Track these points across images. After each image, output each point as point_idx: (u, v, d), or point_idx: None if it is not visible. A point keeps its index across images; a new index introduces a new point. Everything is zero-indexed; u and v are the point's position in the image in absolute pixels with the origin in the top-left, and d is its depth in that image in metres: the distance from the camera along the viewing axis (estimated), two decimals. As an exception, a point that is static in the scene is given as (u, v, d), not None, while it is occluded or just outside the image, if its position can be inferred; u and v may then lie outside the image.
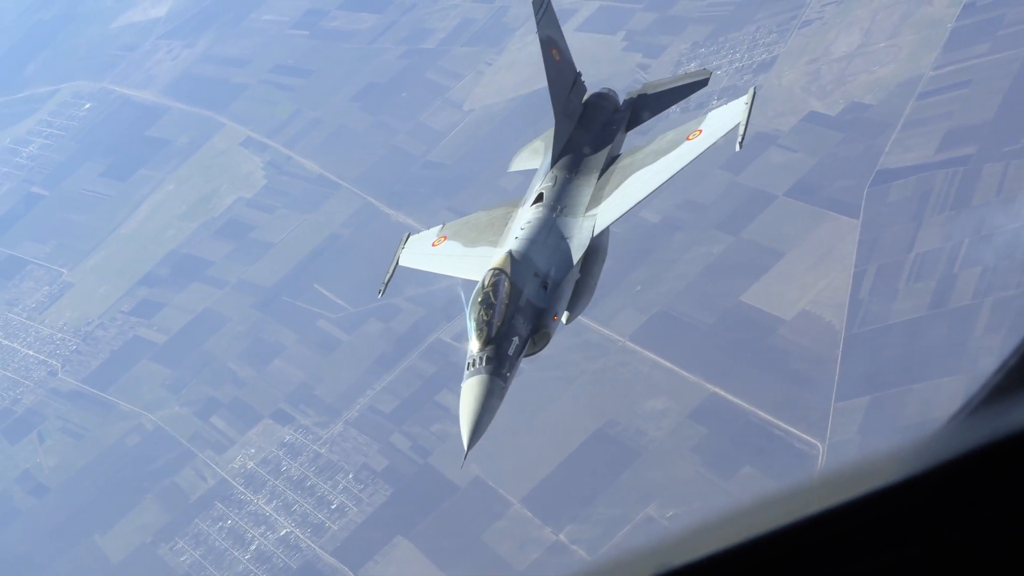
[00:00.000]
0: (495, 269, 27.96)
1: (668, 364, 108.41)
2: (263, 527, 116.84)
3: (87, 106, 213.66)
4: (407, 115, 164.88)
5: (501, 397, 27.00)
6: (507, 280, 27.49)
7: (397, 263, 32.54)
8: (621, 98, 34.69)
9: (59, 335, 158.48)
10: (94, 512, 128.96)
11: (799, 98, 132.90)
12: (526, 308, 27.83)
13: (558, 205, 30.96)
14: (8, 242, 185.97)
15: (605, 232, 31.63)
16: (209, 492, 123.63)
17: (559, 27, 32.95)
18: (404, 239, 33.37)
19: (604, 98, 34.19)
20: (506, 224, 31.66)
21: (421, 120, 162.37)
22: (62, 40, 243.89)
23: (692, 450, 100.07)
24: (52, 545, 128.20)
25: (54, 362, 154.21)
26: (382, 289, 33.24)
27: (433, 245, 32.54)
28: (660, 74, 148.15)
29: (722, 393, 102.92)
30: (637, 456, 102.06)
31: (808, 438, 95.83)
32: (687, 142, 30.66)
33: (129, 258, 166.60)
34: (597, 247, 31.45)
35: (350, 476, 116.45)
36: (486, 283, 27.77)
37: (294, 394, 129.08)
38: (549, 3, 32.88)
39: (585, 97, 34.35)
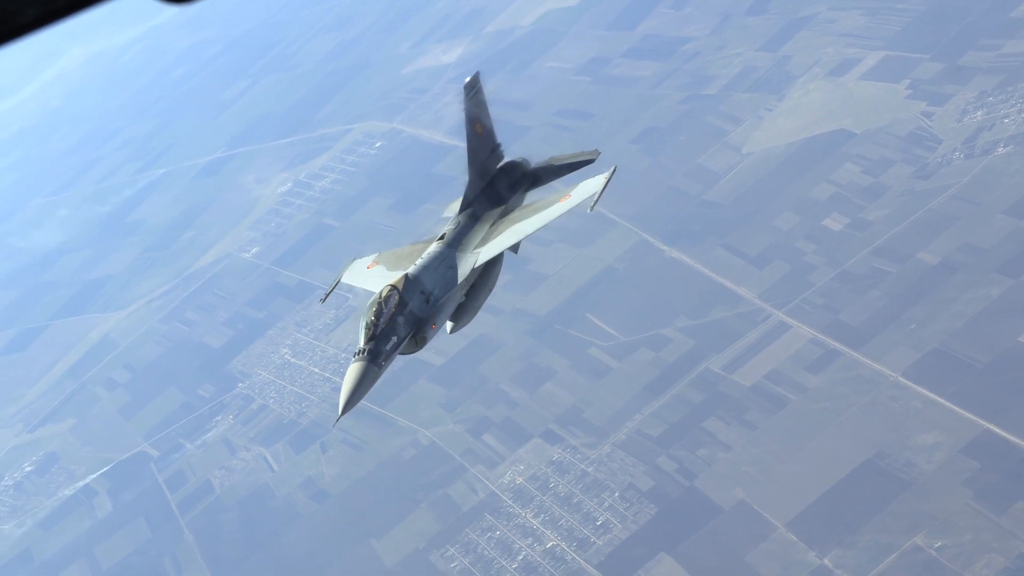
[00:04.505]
0: (390, 285, 34.67)
1: (941, 400, 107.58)
2: (530, 539, 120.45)
3: (378, 144, 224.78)
4: (685, 157, 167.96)
5: (375, 380, 33.26)
6: (397, 294, 34.16)
7: (339, 280, 39.49)
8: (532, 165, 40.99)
9: (343, 355, 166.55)
10: (371, 518, 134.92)
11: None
12: (409, 316, 34.30)
13: (455, 242, 37.37)
14: (300, 268, 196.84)
15: (497, 269, 38.10)
16: (479, 504, 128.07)
17: (486, 107, 39.35)
18: (349, 262, 39.98)
19: (516, 166, 40.09)
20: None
21: (699, 162, 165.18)
22: (357, 84, 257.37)
23: (964, 484, 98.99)
24: (332, 547, 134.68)
25: (338, 379, 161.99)
26: (324, 298, 41.02)
27: (368, 268, 39.02)
28: (944, 121, 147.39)
29: (996, 430, 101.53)
30: (906, 487, 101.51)
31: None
32: (558, 203, 37.21)
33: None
34: (487, 279, 37.91)
35: (616, 495, 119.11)
36: (382, 295, 34.21)
37: (564, 416, 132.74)
38: (480, 88, 39.14)
39: (501, 163, 40.01)
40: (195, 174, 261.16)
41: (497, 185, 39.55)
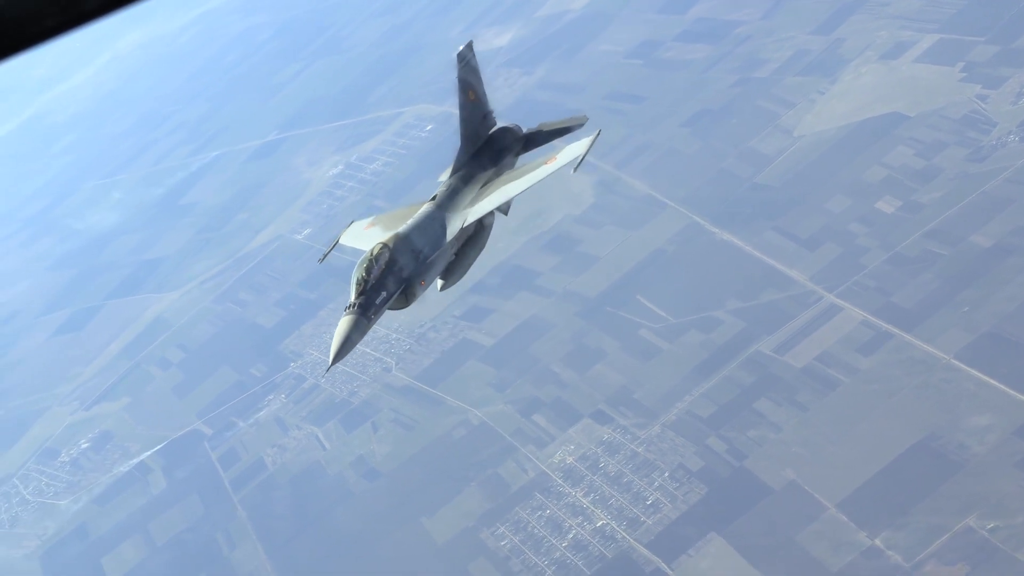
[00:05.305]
0: (381, 243, 36.32)
1: (994, 382, 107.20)
2: (580, 518, 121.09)
3: (429, 128, 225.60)
4: (736, 140, 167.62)
5: (364, 332, 35.10)
6: (388, 252, 35.78)
7: (338, 240, 41.08)
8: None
9: (394, 335, 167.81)
10: (421, 497, 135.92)
11: None
12: (398, 272, 35.93)
13: (445, 203, 38.76)
14: (351, 250, 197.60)
15: (487, 230, 39.60)
16: (529, 483, 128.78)
17: (479, 74, 40.60)
18: (349, 224, 41.75)
19: (508, 131, 41.62)
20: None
21: (750, 145, 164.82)
22: (408, 68, 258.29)
23: (1016, 466, 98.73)
24: (382, 525, 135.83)
25: (389, 360, 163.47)
26: (322, 258, 42.04)
27: (365, 228, 40.75)
28: (999, 104, 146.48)
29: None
30: (958, 469, 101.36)
31: None
32: (544, 165, 38.53)
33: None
34: (477, 238, 39.28)
35: (666, 475, 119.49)
36: (373, 252, 35.82)
37: (614, 396, 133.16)
38: (473, 56, 40.27)
39: (493, 130, 41.55)
40: (247, 157, 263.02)
41: (488, 150, 40.93)
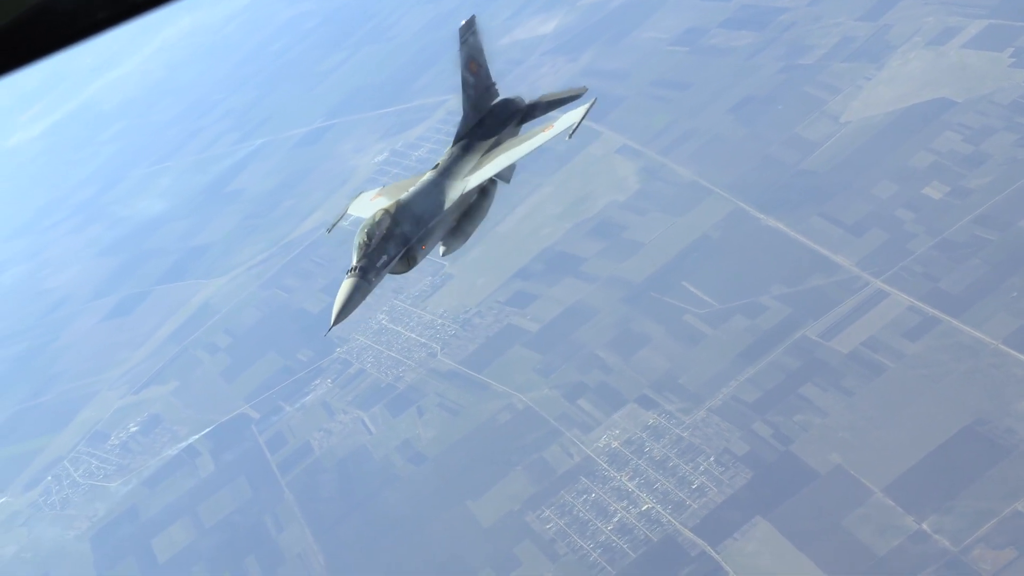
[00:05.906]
0: (383, 209, 37.62)
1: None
2: (625, 502, 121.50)
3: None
4: (782, 126, 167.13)
5: (365, 294, 36.13)
6: (389, 217, 37.03)
7: (346, 211, 42.26)
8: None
9: (440, 321, 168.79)
10: (467, 480, 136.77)
11: None
12: (398, 237, 37.06)
13: (447, 171, 39.93)
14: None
15: (489, 197, 40.76)
16: (575, 467, 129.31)
17: (481, 48, 41.70)
18: (357, 195, 43.05)
19: (510, 102, 42.77)
20: None
21: (796, 131, 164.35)
22: (453, 55, 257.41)
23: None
24: (428, 508, 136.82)
25: (434, 345, 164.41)
26: (330, 228, 43.11)
27: (372, 199, 42.00)
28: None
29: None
30: (1007, 454, 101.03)
31: None
32: (542, 132, 39.77)
33: (507, 253, 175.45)
34: (479, 205, 40.51)
35: (711, 459, 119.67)
36: (374, 218, 37.06)
37: (658, 382, 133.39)
38: (475, 30, 41.41)
39: (495, 101, 42.63)
40: (294, 144, 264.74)
41: (491, 120, 42.05)
